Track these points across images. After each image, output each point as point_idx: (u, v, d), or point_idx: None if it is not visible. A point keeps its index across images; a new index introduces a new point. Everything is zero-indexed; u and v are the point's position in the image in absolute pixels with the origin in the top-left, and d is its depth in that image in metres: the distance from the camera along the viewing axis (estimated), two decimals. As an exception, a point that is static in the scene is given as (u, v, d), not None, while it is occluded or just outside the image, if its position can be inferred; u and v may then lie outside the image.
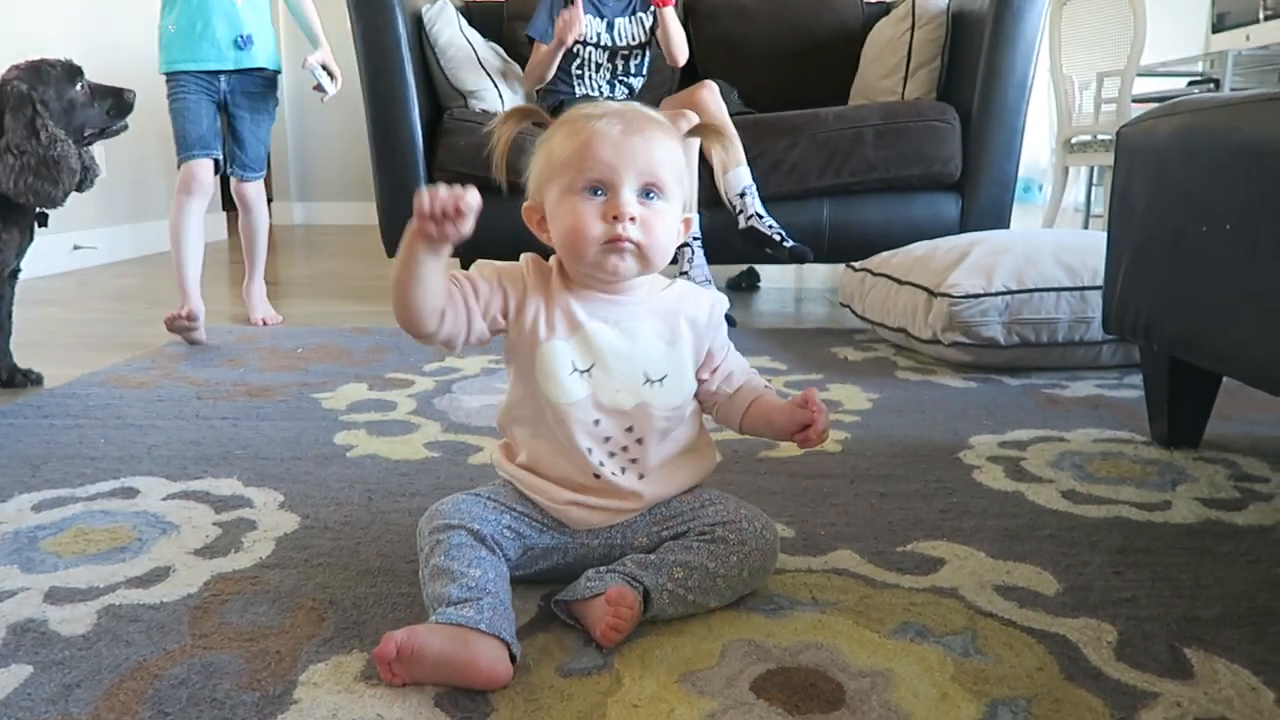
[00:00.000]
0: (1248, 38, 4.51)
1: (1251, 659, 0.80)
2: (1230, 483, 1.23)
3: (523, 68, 2.91)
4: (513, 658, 0.77)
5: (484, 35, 2.92)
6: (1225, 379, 1.32)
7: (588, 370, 0.88)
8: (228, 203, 2.38)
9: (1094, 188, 4.77)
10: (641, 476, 0.91)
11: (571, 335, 0.88)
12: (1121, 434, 1.44)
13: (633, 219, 0.84)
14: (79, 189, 1.74)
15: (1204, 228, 1.14)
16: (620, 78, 2.71)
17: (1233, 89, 4.21)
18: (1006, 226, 2.64)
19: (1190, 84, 4.59)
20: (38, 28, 3.30)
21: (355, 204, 5.24)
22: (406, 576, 0.95)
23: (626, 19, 2.67)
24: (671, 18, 2.57)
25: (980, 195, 2.63)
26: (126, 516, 1.12)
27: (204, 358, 2.00)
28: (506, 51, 2.97)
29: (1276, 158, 1.03)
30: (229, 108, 2.25)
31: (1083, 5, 3.68)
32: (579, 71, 2.68)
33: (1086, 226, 4.52)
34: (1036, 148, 5.44)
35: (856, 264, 2.27)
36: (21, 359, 1.80)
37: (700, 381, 0.94)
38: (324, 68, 2.35)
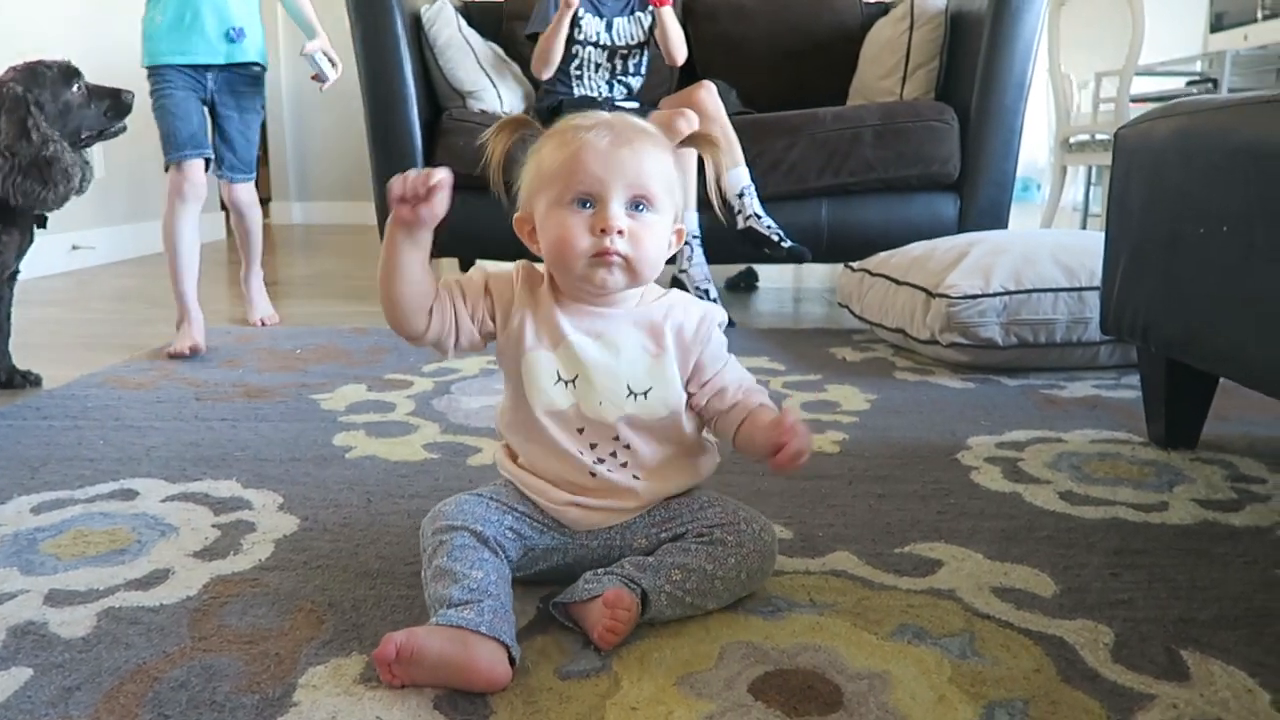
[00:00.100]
0: (1246, 37, 4.52)
1: (1248, 661, 0.80)
2: (1227, 484, 1.23)
3: (522, 68, 2.92)
4: (512, 660, 0.77)
5: (483, 35, 2.92)
6: (1222, 379, 1.32)
7: (572, 381, 0.89)
8: (224, 201, 2.29)
9: (1092, 187, 4.77)
10: (637, 476, 0.91)
11: (555, 347, 0.89)
12: (1119, 435, 1.44)
13: (621, 232, 0.84)
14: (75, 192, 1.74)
15: (1201, 229, 1.14)
16: (619, 77, 2.71)
17: (1231, 88, 4.21)
18: (1005, 227, 2.64)
19: (1189, 83, 4.59)
20: (37, 27, 3.30)
21: (354, 204, 5.24)
22: (405, 578, 0.95)
23: (625, 19, 2.67)
24: (670, 18, 2.57)
25: (978, 195, 2.63)
26: (126, 518, 1.13)
27: (202, 359, 2.00)
28: (505, 51, 2.97)
29: (1273, 160, 1.03)
30: (215, 106, 2.16)
31: (1081, 5, 3.68)
32: (578, 72, 2.68)
33: (1085, 226, 4.52)
34: (1035, 147, 5.44)
35: (855, 264, 2.28)
36: (20, 360, 1.80)
37: (689, 396, 0.92)
38: (324, 55, 2.30)
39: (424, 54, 2.78)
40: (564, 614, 0.86)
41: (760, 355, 2.02)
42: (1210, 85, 4.34)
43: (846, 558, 1.01)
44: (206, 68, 2.11)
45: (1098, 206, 4.52)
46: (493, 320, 0.91)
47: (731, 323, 2.38)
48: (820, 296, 3.01)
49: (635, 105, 2.68)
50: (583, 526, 0.91)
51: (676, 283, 2.43)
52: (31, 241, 1.74)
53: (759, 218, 2.45)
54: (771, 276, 3.35)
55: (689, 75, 2.91)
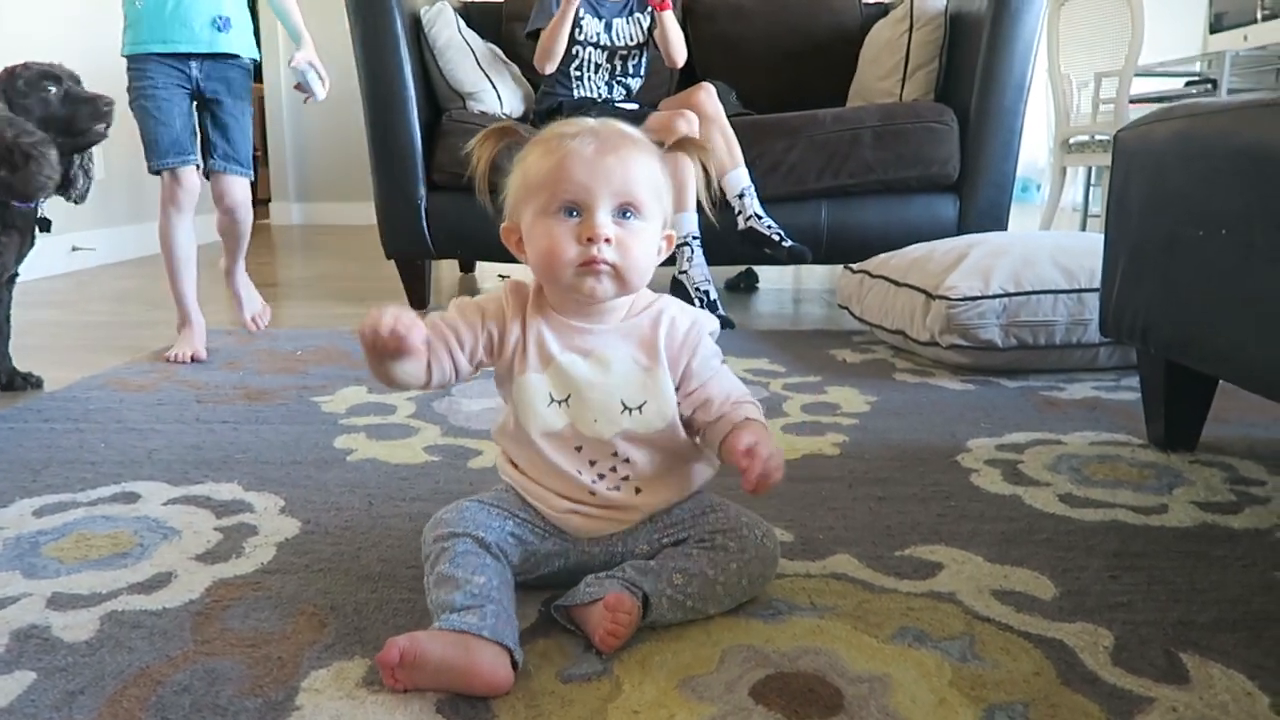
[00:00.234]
0: (1245, 38, 4.52)
1: (1247, 664, 0.80)
2: (1226, 486, 1.23)
3: (522, 69, 2.92)
4: (514, 664, 0.77)
5: (482, 36, 2.92)
6: (1222, 381, 1.32)
7: (564, 400, 0.88)
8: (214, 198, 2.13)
9: (1092, 188, 4.78)
10: (638, 490, 0.91)
11: (545, 368, 0.88)
12: (1118, 437, 1.45)
13: (608, 240, 0.83)
14: (67, 197, 1.72)
15: (1200, 232, 1.15)
16: (619, 78, 2.71)
17: (1230, 89, 4.22)
18: (1004, 228, 2.64)
19: (1188, 84, 4.59)
20: (37, 28, 3.30)
21: (354, 204, 5.24)
22: (407, 582, 0.95)
23: (624, 20, 2.68)
24: (670, 20, 2.58)
25: (978, 197, 2.63)
26: (128, 522, 1.13)
27: (203, 360, 2.00)
28: (505, 52, 2.98)
29: (1273, 163, 1.04)
30: (204, 94, 2.01)
31: (1081, 5, 3.68)
32: (578, 73, 2.68)
33: (1084, 227, 4.53)
34: (1034, 147, 5.45)
35: (855, 266, 2.28)
36: (21, 362, 1.81)
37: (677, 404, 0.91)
38: (313, 68, 2.15)
39: (424, 55, 2.78)
40: (565, 617, 0.86)
41: (760, 357, 2.02)
42: (1210, 86, 4.35)
43: (847, 560, 1.01)
44: (189, 57, 1.97)
45: (1097, 207, 4.52)
46: (488, 354, 0.90)
47: (731, 324, 2.39)
48: (820, 298, 3.02)
49: (635, 106, 2.68)
50: (584, 534, 0.91)
51: (676, 284, 2.44)
52: (33, 244, 1.74)
53: (759, 218, 2.46)
54: (771, 278, 3.36)
55: (688, 76, 2.92)
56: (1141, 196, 1.29)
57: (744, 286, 3.18)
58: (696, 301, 2.36)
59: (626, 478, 0.90)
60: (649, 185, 0.86)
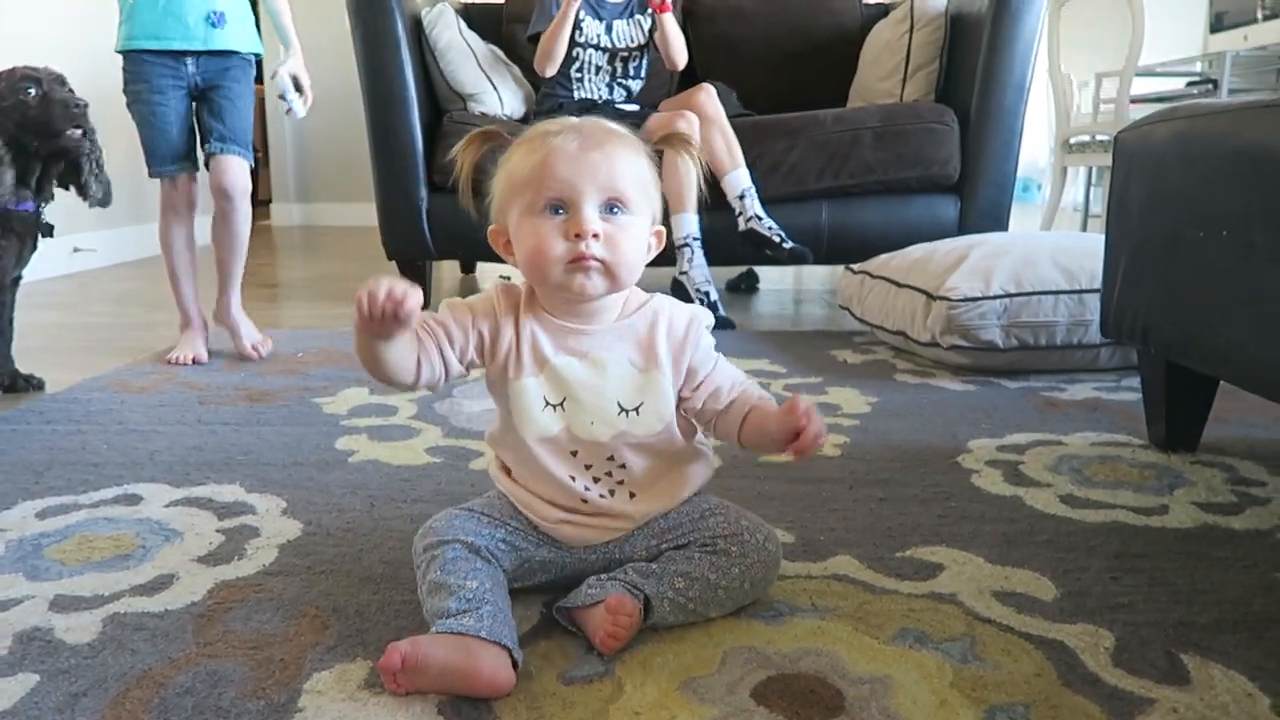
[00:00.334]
0: (1246, 38, 4.52)
1: (1247, 665, 0.81)
2: (1227, 487, 1.23)
3: (523, 70, 2.92)
4: (515, 664, 0.78)
5: (483, 37, 2.92)
6: (1223, 382, 1.32)
7: (560, 404, 0.87)
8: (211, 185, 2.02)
9: (1092, 188, 4.78)
10: (632, 495, 0.90)
11: (540, 371, 0.87)
12: (1119, 437, 1.45)
13: (596, 236, 0.82)
14: (87, 202, 1.73)
15: (1201, 233, 1.15)
16: (619, 80, 2.72)
17: (1231, 89, 4.22)
18: (1005, 228, 2.65)
19: (1188, 84, 4.59)
20: (36, 28, 3.30)
21: (355, 205, 5.25)
22: (409, 584, 0.95)
23: (625, 21, 2.68)
24: (670, 23, 2.58)
25: (979, 197, 2.64)
26: (130, 524, 1.13)
27: (204, 363, 2.01)
28: (506, 53, 2.98)
29: (1273, 164, 1.04)
30: (201, 88, 1.94)
31: (1081, 5, 3.68)
32: (578, 74, 2.68)
33: (1085, 227, 4.53)
34: (1035, 147, 5.45)
35: (855, 266, 2.28)
36: (22, 363, 1.81)
37: (683, 400, 0.91)
38: (294, 81, 2.06)
39: (424, 56, 2.79)
40: (567, 619, 0.86)
41: (761, 357, 2.02)
42: (1210, 86, 4.35)
43: (848, 562, 1.02)
44: (184, 54, 1.91)
45: (1098, 207, 4.52)
46: (480, 356, 0.89)
47: (732, 324, 2.39)
48: (820, 298, 3.02)
49: (635, 108, 2.68)
50: (578, 543, 0.91)
51: (677, 285, 2.44)
52: (34, 249, 1.74)
53: (760, 219, 2.46)
54: (772, 278, 3.36)
55: (689, 77, 2.92)
56: (1142, 197, 1.29)
57: (745, 287, 3.19)
58: (697, 302, 2.36)
59: (621, 482, 0.90)
60: (635, 180, 0.85)
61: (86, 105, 1.71)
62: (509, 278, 1.62)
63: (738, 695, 0.76)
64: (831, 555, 1.03)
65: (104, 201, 1.78)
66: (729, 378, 0.92)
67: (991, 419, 1.56)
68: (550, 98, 2.69)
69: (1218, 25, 4.86)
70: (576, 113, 2.32)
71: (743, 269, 3.27)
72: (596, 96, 2.69)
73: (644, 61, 2.73)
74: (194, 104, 1.97)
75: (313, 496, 1.22)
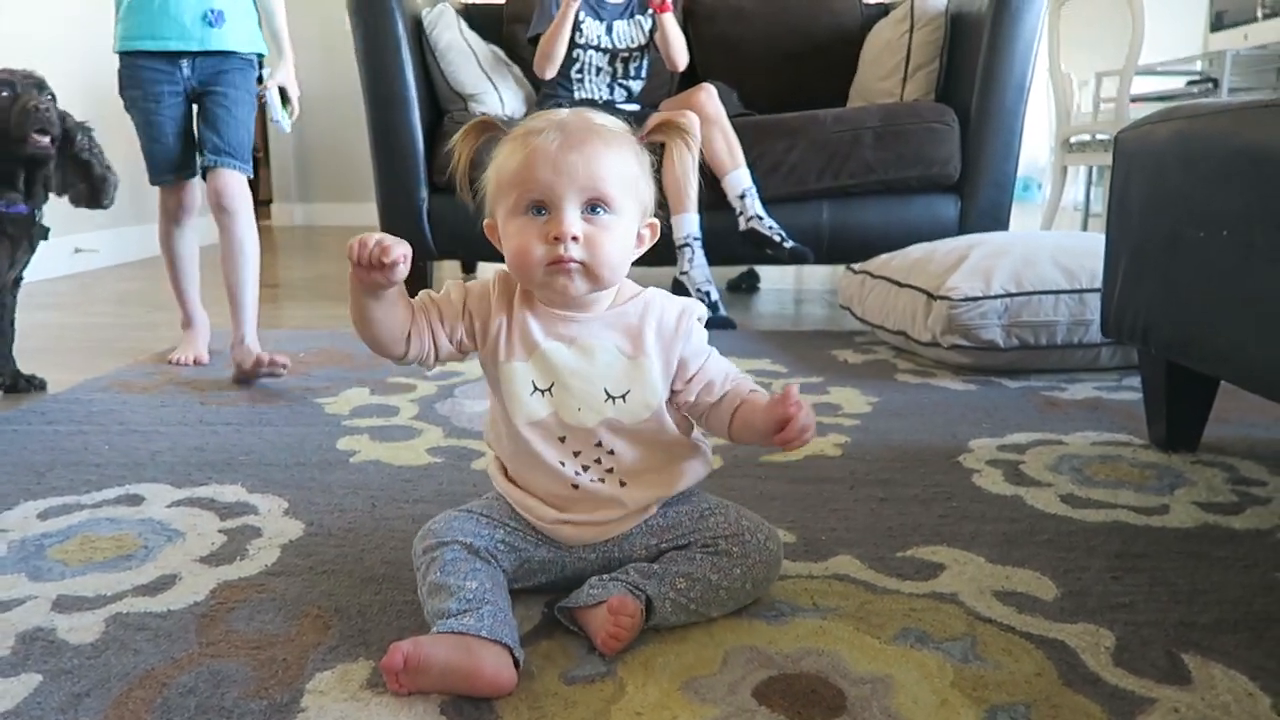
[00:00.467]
0: (1246, 37, 4.52)
1: (1248, 664, 0.81)
2: (1228, 486, 1.23)
3: (524, 70, 2.92)
4: (517, 664, 0.78)
5: (484, 38, 2.93)
6: (1223, 382, 1.32)
7: (548, 389, 0.88)
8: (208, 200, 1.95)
9: (1093, 187, 4.77)
10: (622, 484, 0.90)
11: (529, 356, 0.88)
12: (1120, 437, 1.45)
13: (575, 239, 0.82)
14: (75, 204, 1.71)
15: (1201, 232, 1.15)
16: (620, 80, 2.72)
17: (1231, 88, 4.21)
18: (1005, 228, 2.65)
19: (1189, 83, 4.59)
20: (36, 28, 3.31)
21: (356, 205, 5.25)
22: (411, 584, 0.95)
23: (625, 22, 2.68)
24: (671, 23, 2.58)
25: (979, 197, 2.64)
26: (132, 524, 1.13)
27: (206, 364, 2.01)
28: (507, 54, 2.98)
29: (1273, 163, 1.04)
30: (198, 91, 1.87)
31: (1081, 4, 3.68)
32: (579, 75, 2.68)
33: (1086, 226, 4.53)
34: (1035, 146, 5.45)
35: (856, 266, 2.28)
36: (24, 364, 1.81)
37: (676, 393, 0.91)
38: (282, 93, 1.99)
39: (425, 57, 2.79)
40: (569, 619, 0.86)
41: (762, 357, 2.02)
42: (1211, 85, 4.34)
43: (849, 562, 1.02)
44: (180, 55, 1.85)
45: (1099, 207, 4.52)
46: (471, 339, 0.90)
47: (733, 324, 2.39)
48: (821, 298, 3.02)
49: (636, 108, 2.68)
50: (577, 543, 0.91)
51: (678, 284, 2.44)
52: (32, 250, 1.73)
53: (761, 219, 2.46)
54: (773, 278, 3.36)
55: (689, 77, 2.92)
56: (1142, 197, 1.29)
57: (745, 287, 3.19)
58: (705, 311, 2.36)
59: (610, 470, 0.90)
60: (618, 178, 0.84)
61: (48, 109, 1.64)
62: None
63: (739, 695, 0.76)
64: (833, 555, 1.03)
65: (108, 204, 1.78)
66: (721, 371, 0.91)
67: (992, 419, 1.56)
68: (551, 98, 2.69)
69: (1218, 24, 4.86)
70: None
71: (743, 269, 3.28)
72: (597, 97, 2.69)
73: (644, 62, 2.73)
74: (192, 107, 1.91)
75: (314, 497, 1.22)
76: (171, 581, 0.98)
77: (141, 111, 1.87)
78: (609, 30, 2.66)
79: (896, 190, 2.64)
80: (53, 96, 1.66)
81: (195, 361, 1.99)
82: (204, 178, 1.92)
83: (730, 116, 2.52)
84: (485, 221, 0.91)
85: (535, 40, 2.64)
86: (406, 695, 0.76)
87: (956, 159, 2.61)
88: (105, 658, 0.83)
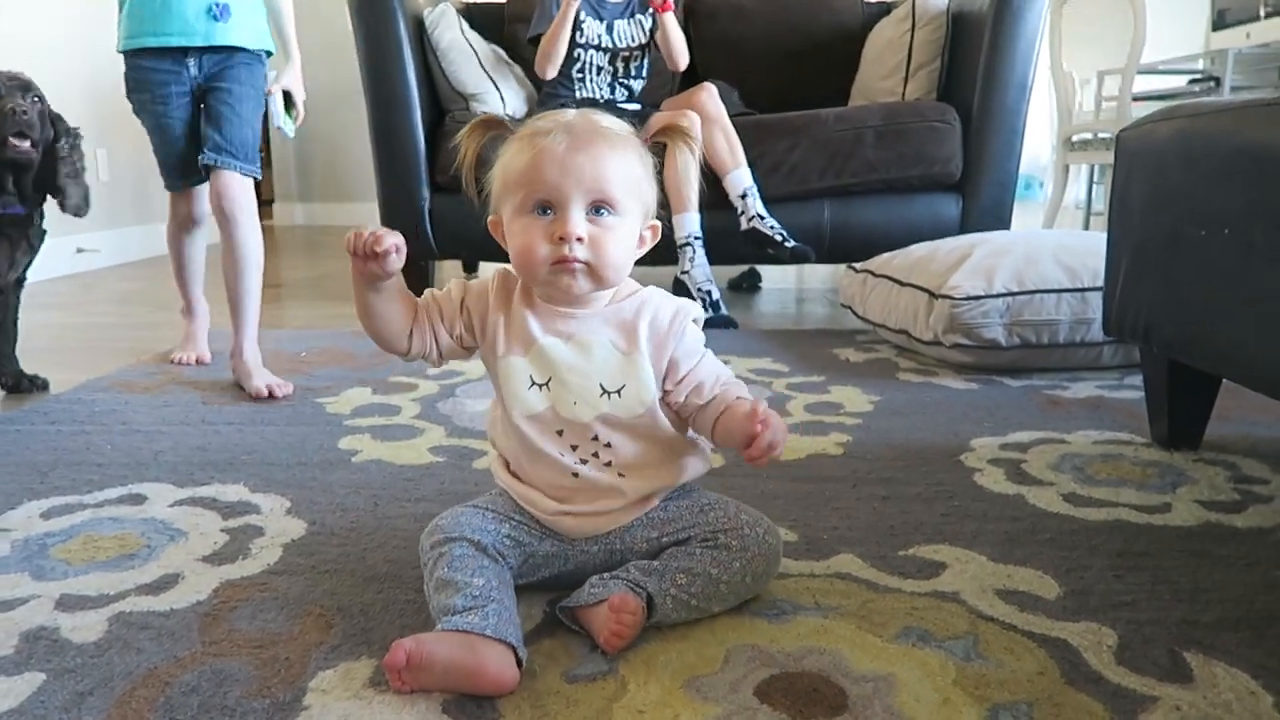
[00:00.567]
0: (1248, 35, 4.51)
1: (1250, 663, 0.81)
2: (1230, 485, 1.23)
3: (525, 70, 2.92)
4: (519, 663, 0.78)
5: (485, 37, 2.93)
6: (1225, 380, 1.32)
7: (545, 384, 0.89)
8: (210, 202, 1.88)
9: (1095, 186, 4.77)
10: (621, 475, 0.91)
11: (527, 351, 0.89)
12: (1122, 435, 1.45)
13: (580, 239, 0.84)
14: (63, 209, 1.67)
15: (1202, 231, 1.15)
16: (621, 80, 2.72)
17: (1233, 87, 4.21)
18: (1007, 227, 2.64)
19: (1191, 82, 4.58)
20: (36, 28, 3.31)
21: (358, 205, 5.25)
22: (413, 583, 0.96)
23: (626, 21, 2.68)
24: (671, 22, 2.58)
25: (981, 196, 2.64)
26: (135, 523, 1.13)
27: (207, 363, 2.01)
28: (508, 53, 2.98)
29: (1274, 162, 1.04)
30: (204, 88, 1.81)
31: (1083, 3, 3.68)
32: (580, 75, 2.69)
33: (1087, 225, 4.52)
34: (1037, 145, 5.44)
35: (857, 265, 2.28)
36: (26, 364, 1.81)
37: (666, 393, 0.91)
38: (287, 98, 1.94)
39: (426, 57, 2.79)
40: (570, 618, 0.87)
41: (763, 356, 2.02)
42: (1212, 84, 4.34)
43: (851, 560, 1.02)
44: (186, 51, 1.78)
45: (1100, 205, 4.52)
46: (470, 334, 0.92)
47: (734, 323, 2.39)
48: (823, 297, 3.02)
49: (637, 107, 2.68)
50: (579, 534, 0.92)
51: (679, 284, 2.44)
52: (30, 250, 1.72)
53: (762, 218, 2.46)
54: (774, 277, 3.36)
55: (690, 76, 2.92)
56: (1144, 196, 1.29)
57: (747, 286, 3.19)
58: (699, 302, 2.36)
59: (609, 463, 0.91)
60: (623, 181, 0.86)
61: (55, 116, 1.64)
62: None
63: (741, 693, 0.77)
64: (834, 554, 1.03)
65: (78, 210, 1.70)
66: (712, 374, 0.91)
67: (994, 417, 1.56)
68: (552, 98, 2.69)
69: (1220, 23, 4.85)
70: (578, 112, 2.32)
71: (745, 268, 3.28)
72: (598, 96, 2.69)
73: (645, 61, 2.73)
74: (199, 105, 1.84)
75: (317, 496, 1.22)
76: (174, 581, 0.98)
77: (151, 115, 1.81)
78: (610, 30, 2.66)
79: (898, 189, 2.64)
80: (39, 99, 1.63)
81: (197, 361, 1.99)
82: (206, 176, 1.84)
83: (731, 116, 2.52)
84: (489, 218, 0.92)
85: (536, 40, 2.64)
86: (409, 693, 0.76)
87: (958, 158, 2.61)
88: (108, 657, 0.83)
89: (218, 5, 1.77)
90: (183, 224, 1.94)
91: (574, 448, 0.90)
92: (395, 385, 1.80)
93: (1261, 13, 4.46)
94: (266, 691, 0.77)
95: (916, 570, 0.99)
